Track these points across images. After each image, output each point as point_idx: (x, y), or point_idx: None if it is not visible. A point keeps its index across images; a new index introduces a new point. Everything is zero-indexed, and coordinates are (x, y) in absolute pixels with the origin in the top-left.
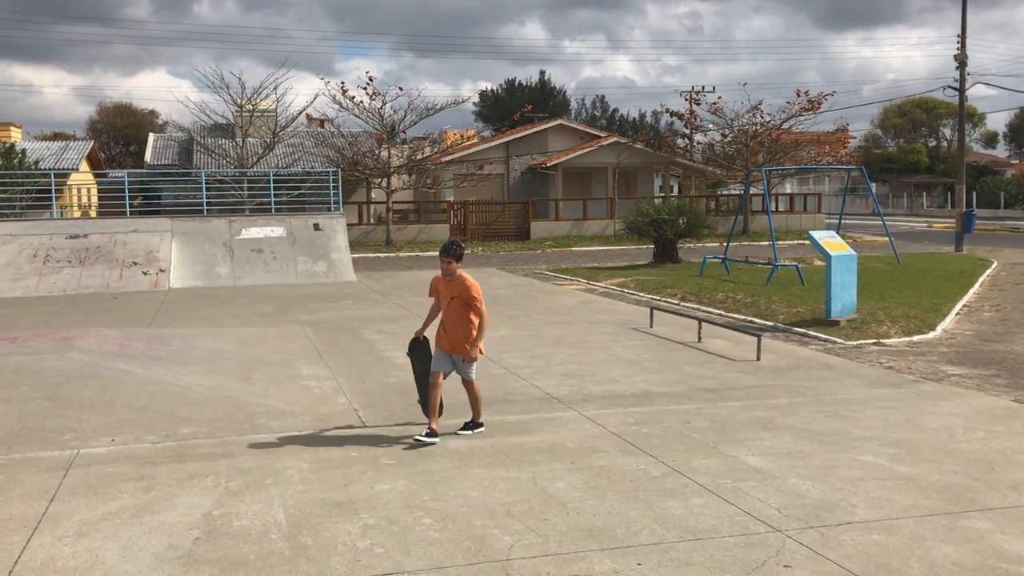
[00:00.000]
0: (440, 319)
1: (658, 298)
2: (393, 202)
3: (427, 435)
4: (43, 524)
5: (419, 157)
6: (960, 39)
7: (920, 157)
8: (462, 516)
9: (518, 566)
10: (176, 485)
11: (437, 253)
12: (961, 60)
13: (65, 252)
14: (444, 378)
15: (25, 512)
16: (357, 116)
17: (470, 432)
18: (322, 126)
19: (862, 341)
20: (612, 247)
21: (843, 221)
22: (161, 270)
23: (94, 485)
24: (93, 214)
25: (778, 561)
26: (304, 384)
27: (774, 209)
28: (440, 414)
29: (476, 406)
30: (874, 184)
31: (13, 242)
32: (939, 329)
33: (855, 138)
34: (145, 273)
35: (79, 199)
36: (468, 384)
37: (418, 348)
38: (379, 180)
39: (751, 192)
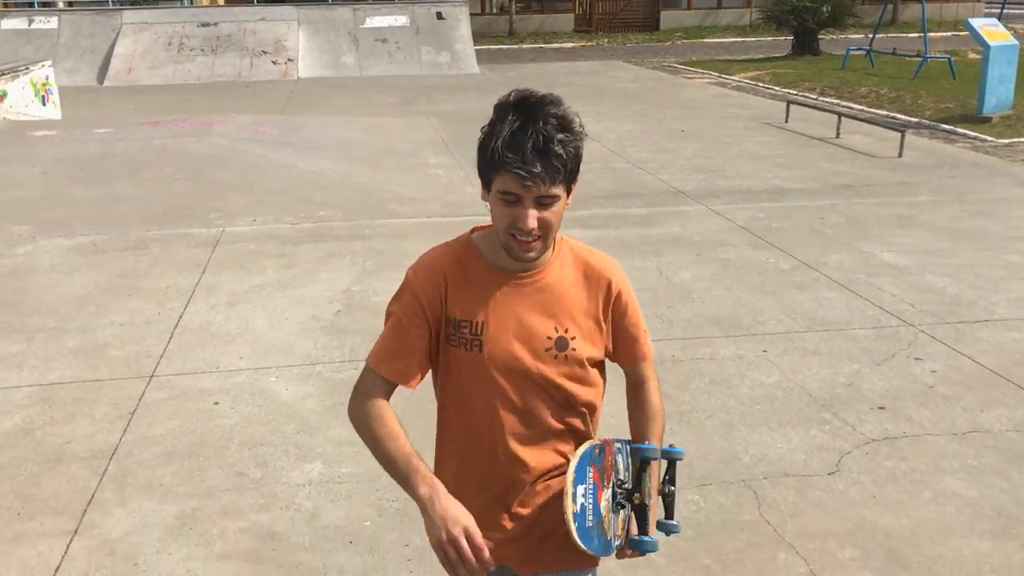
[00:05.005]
0: (478, 445)
1: (795, 92)
2: None
3: None
4: (197, 293)
5: None
6: None
7: None
8: None
9: None
10: (316, 263)
11: (560, 46)
12: None
13: (198, 40)
14: None
15: (180, 282)
16: None
17: None
18: None
19: (1016, 139)
20: (747, 38)
21: (1006, 10)
22: (289, 59)
23: (240, 260)
24: (221, 2)
25: (909, 354)
26: (431, 172)
27: None
28: None
29: None
30: None
31: (148, 30)
32: None
33: None
34: (275, 62)
35: None
36: None
37: None
38: None
39: None
